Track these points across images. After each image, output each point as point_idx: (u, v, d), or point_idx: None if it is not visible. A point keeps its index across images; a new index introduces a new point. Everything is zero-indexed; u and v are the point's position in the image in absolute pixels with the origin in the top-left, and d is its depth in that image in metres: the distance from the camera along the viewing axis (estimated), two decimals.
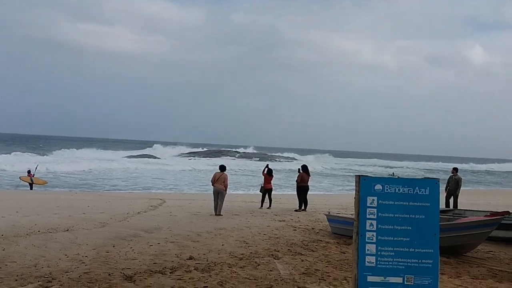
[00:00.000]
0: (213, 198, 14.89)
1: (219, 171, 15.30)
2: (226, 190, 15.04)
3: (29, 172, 24.90)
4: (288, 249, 9.75)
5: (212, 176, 15.55)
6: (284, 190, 29.08)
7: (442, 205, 16.72)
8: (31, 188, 24.16)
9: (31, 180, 24.42)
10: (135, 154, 67.53)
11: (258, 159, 73.22)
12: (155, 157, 62.75)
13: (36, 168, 26.64)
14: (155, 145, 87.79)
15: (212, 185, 15.07)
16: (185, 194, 25.12)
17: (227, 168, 16.02)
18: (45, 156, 52.16)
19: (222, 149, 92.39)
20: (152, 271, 7.58)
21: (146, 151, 75.32)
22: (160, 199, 19.19)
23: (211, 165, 48.10)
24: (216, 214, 14.50)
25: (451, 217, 11.87)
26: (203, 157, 72.42)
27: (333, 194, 30.20)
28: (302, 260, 8.77)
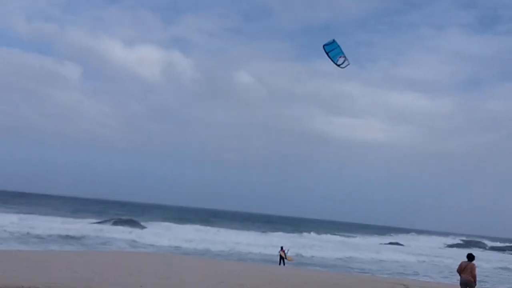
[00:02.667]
0: None
1: (466, 260, 13.98)
2: (475, 282, 13.93)
3: (282, 248, 27.74)
4: None
5: (458, 266, 13.96)
6: None
7: None
8: (282, 263, 26.69)
9: (285, 255, 27.00)
10: (386, 242, 67.98)
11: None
12: (402, 245, 63.18)
13: (288, 250, 28.43)
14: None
15: (459, 275, 13.82)
16: (429, 283, 23.41)
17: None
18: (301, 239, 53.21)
19: (471, 239, 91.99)
20: None
21: (394, 238, 77.28)
22: (403, 285, 18.72)
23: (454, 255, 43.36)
24: None
25: None
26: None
27: None
28: None
